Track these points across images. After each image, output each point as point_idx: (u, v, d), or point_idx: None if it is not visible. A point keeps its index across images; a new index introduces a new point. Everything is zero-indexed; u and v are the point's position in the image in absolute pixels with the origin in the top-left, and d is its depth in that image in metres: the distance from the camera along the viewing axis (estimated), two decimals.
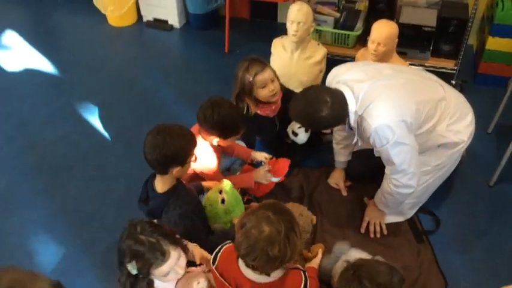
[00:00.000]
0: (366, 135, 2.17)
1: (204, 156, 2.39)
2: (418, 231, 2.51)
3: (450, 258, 2.39)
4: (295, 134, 2.75)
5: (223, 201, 2.27)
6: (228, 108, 2.33)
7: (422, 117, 2.22)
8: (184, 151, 2.03)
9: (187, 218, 2.07)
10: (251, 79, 2.55)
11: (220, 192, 2.29)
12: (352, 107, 2.16)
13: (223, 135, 2.34)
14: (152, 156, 1.98)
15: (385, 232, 2.50)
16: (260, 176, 2.61)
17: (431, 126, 2.29)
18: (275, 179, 2.65)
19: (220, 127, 2.31)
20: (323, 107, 2.11)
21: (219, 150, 2.52)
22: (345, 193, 2.72)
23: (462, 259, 2.40)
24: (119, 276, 1.84)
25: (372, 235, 2.49)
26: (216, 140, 2.36)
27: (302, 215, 2.37)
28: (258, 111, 2.70)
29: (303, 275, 1.81)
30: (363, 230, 2.52)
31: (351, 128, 2.27)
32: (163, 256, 1.73)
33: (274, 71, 2.63)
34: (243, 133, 2.49)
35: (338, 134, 2.63)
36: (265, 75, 2.56)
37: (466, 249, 2.44)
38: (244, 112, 2.67)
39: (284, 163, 2.69)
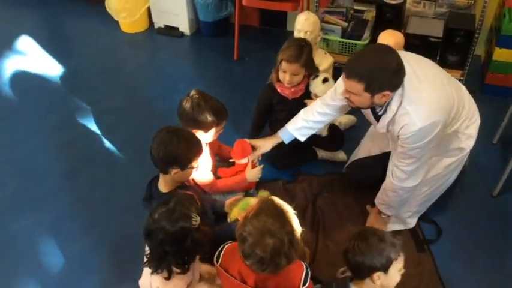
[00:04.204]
0: (403, 129, 2.09)
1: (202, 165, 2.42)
2: (419, 240, 2.52)
3: (451, 268, 2.40)
4: (325, 80, 2.72)
5: None
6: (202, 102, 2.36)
7: (451, 118, 2.21)
8: (187, 155, 2.08)
9: None
10: (279, 58, 2.63)
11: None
12: (399, 89, 2.06)
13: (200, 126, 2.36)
14: (156, 151, 2.06)
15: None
16: (253, 175, 2.58)
17: (456, 127, 2.30)
18: (242, 161, 2.56)
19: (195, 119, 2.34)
20: (396, 59, 1.98)
21: (213, 154, 2.58)
22: (254, 157, 2.57)
23: (463, 269, 2.41)
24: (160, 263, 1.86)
25: None
26: (200, 133, 2.37)
27: None
28: (278, 88, 2.75)
29: (303, 265, 1.88)
30: None
31: (380, 112, 2.17)
32: (194, 197, 1.90)
33: (306, 66, 2.64)
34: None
35: (312, 113, 2.46)
36: (291, 67, 2.61)
37: (467, 259, 2.46)
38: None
39: (237, 143, 2.55)
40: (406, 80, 2.05)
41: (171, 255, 1.82)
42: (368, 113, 2.33)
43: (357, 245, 1.86)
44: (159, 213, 1.80)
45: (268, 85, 2.80)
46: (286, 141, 2.55)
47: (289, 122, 2.53)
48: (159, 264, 1.84)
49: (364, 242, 1.86)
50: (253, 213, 1.74)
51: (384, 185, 2.40)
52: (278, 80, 2.72)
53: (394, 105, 2.10)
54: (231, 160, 2.63)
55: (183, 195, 1.91)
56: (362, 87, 2.00)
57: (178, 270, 1.87)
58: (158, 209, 1.82)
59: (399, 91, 2.06)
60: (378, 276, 1.85)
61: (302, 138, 2.54)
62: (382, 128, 2.23)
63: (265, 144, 2.56)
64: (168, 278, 1.86)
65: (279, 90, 2.75)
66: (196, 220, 1.80)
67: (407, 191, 2.32)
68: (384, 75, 1.98)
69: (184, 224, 1.78)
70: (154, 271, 1.87)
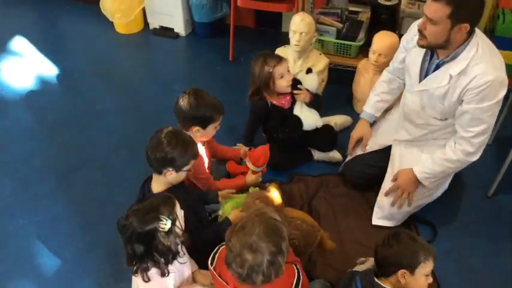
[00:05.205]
0: (475, 81, 2.08)
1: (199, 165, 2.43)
2: None
3: (446, 269, 2.40)
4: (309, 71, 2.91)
5: None
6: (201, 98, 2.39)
7: None
8: (182, 158, 2.09)
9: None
10: (271, 70, 2.65)
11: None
12: (474, 49, 2.10)
13: (200, 123, 2.38)
14: (152, 152, 2.08)
15: (410, 205, 2.49)
16: (253, 180, 2.63)
17: None
18: (256, 168, 2.60)
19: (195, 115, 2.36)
20: None
21: (209, 154, 2.58)
22: (364, 149, 2.73)
23: (458, 269, 2.43)
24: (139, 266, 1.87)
25: (393, 206, 2.50)
26: (197, 129, 2.38)
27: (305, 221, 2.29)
28: (275, 102, 2.77)
29: (295, 269, 1.86)
30: (386, 194, 2.52)
31: (447, 59, 2.17)
32: (172, 200, 1.88)
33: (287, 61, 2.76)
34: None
35: (380, 85, 2.68)
36: (284, 66, 2.68)
37: (462, 260, 2.47)
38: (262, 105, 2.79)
39: (262, 150, 2.58)
40: (482, 36, 2.13)
41: (140, 254, 1.82)
42: (414, 66, 2.32)
43: (387, 240, 1.90)
44: (132, 210, 1.82)
45: (262, 98, 2.79)
46: (371, 121, 2.75)
47: (366, 105, 2.74)
48: (134, 263, 1.85)
49: (396, 238, 1.89)
50: (242, 224, 1.71)
51: (436, 156, 2.36)
52: (278, 94, 2.76)
53: (468, 53, 2.10)
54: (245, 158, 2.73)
55: (160, 197, 1.91)
56: (447, 13, 2.00)
57: (159, 272, 1.87)
58: (133, 206, 1.85)
59: (475, 40, 2.10)
60: (403, 274, 1.86)
61: (378, 114, 2.73)
62: (436, 80, 2.21)
63: (367, 131, 2.74)
64: (146, 281, 1.86)
65: (275, 103, 2.77)
66: (165, 224, 1.79)
67: (464, 165, 2.34)
68: (472, 4, 2.02)
69: (151, 225, 1.78)
70: (135, 271, 1.87)
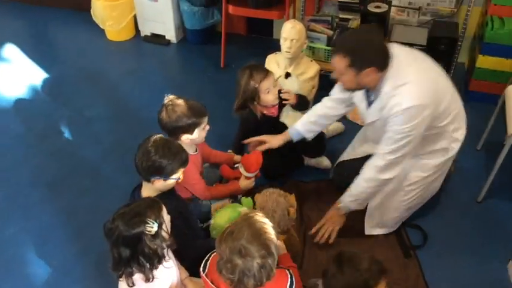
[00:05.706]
0: (393, 110, 2.13)
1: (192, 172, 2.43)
2: (405, 246, 2.54)
3: (437, 274, 2.42)
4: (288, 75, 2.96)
5: None
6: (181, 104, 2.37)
7: (439, 111, 2.23)
8: (170, 166, 2.07)
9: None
10: (256, 85, 2.63)
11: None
12: (390, 83, 2.15)
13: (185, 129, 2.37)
14: (140, 160, 2.07)
15: (331, 241, 2.48)
16: (247, 185, 2.64)
17: (444, 125, 2.30)
18: (250, 174, 2.61)
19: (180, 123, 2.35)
20: (378, 37, 2.17)
21: (200, 160, 2.58)
22: (262, 148, 2.67)
23: (449, 274, 2.43)
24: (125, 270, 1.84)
25: (318, 239, 2.49)
26: (186, 136, 2.38)
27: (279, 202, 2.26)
28: (265, 112, 2.77)
29: (288, 274, 1.85)
30: (313, 230, 2.51)
31: (372, 98, 2.25)
32: (159, 204, 1.86)
33: (273, 74, 2.74)
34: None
35: (320, 108, 2.63)
36: (270, 80, 2.66)
37: (453, 265, 2.47)
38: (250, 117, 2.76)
39: (255, 157, 2.60)
40: (398, 64, 2.14)
41: (126, 258, 1.80)
42: (361, 103, 2.38)
43: (332, 273, 1.79)
44: (118, 214, 1.81)
45: (250, 110, 2.79)
46: (295, 139, 2.67)
47: (299, 122, 2.67)
48: (119, 268, 1.83)
49: (340, 270, 1.77)
50: (230, 230, 1.71)
51: (358, 177, 2.38)
52: (264, 106, 2.76)
53: (387, 88, 2.15)
54: (235, 165, 2.73)
55: (147, 200, 1.91)
56: (346, 64, 2.11)
57: (143, 278, 1.85)
58: (120, 209, 1.83)
59: (391, 74, 2.14)
60: None
61: (308, 135, 2.66)
62: (373, 115, 2.28)
63: (274, 141, 2.67)
64: (131, 286, 1.84)
65: (266, 113, 2.78)
66: (151, 227, 1.78)
67: (379, 183, 2.33)
68: (367, 51, 2.10)
69: (137, 229, 1.77)
70: (120, 276, 1.86)
